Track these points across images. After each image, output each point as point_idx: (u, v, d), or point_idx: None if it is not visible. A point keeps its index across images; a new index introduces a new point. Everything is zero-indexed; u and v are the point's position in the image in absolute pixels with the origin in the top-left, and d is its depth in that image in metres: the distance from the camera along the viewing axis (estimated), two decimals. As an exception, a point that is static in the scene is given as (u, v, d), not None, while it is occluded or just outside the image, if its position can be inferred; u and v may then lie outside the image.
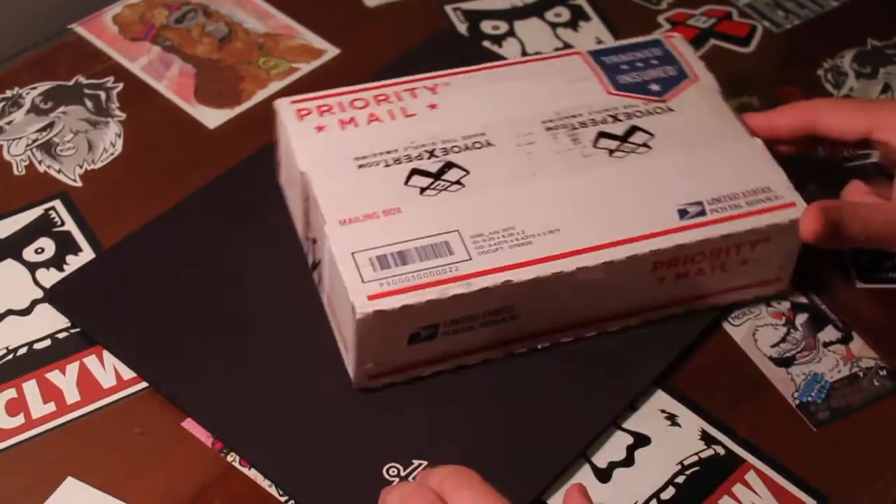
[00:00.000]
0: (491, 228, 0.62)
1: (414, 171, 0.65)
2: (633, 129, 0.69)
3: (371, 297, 0.59)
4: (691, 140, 0.69)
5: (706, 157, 0.68)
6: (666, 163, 0.67)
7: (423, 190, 0.64)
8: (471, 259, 0.61)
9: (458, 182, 0.65)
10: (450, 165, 0.65)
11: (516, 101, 0.70)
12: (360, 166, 0.65)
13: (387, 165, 0.65)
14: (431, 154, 0.66)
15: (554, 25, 0.88)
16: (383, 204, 0.63)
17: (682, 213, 0.64)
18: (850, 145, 0.70)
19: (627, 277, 0.64)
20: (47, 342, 0.66)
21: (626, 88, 0.71)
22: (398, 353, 0.61)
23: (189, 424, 0.63)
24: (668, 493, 0.61)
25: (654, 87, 0.72)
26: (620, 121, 0.69)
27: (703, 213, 0.65)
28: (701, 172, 0.67)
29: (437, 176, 0.65)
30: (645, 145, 0.68)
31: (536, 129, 0.68)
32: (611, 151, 0.67)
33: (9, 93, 0.80)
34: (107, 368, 0.65)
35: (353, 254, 0.61)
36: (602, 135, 0.68)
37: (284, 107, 0.68)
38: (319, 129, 0.67)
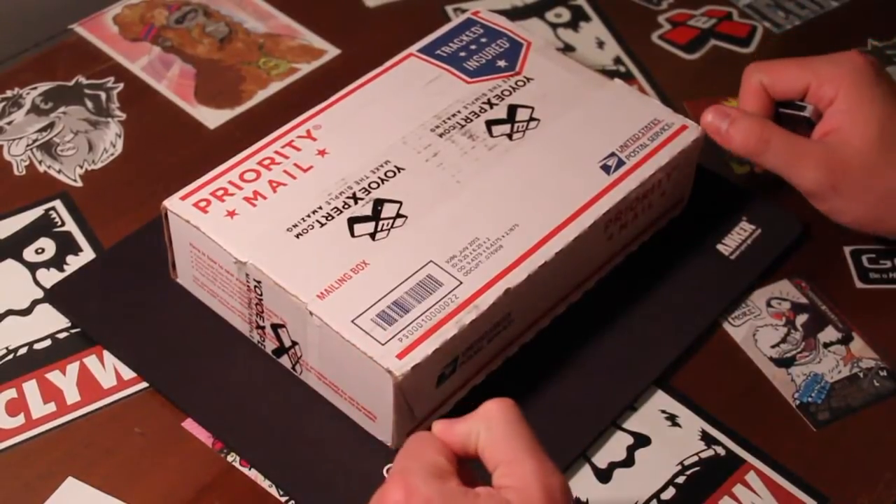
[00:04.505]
0: (459, 247, 0.62)
1: (351, 221, 0.62)
2: (513, 108, 0.69)
3: (400, 356, 0.57)
4: (566, 100, 0.70)
5: (589, 111, 0.70)
6: (560, 129, 0.69)
7: (373, 235, 0.62)
8: (462, 283, 0.60)
9: (399, 216, 0.63)
10: (380, 202, 0.63)
11: (393, 120, 0.68)
12: (297, 235, 0.62)
13: (322, 225, 0.62)
14: (354, 198, 0.63)
15: (554, 26, 0.88)
16: (347, 263, 0.60)
17: (607, 169, 0.66)
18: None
19: (587, 245, 0.64)
20: (47, 342, 0.66)
21: (478, 73, 0.72)
22: (430, 400, 0.60)
23: (189, 424, 0.63)
24: (669, 494, 0.61)
25: (502, 63, 0.73)
26: (496, 104, 0.70)
27: (622, 162, 0.67)
28: (595, 126, 0.69)
29: (375, 217, 0.63)
30: (532, 119, 0.69)
31: (431, 139, 0.67)
32: (509, 136, 0.68)
33: (9, 93, 0.80)
34: (107, 368, 0.65)
35: (353, 321, 0.58)
36: (490, 123, 0.69)
37: (179, 206, 0.63)
38: (231, 214, 0.63)
